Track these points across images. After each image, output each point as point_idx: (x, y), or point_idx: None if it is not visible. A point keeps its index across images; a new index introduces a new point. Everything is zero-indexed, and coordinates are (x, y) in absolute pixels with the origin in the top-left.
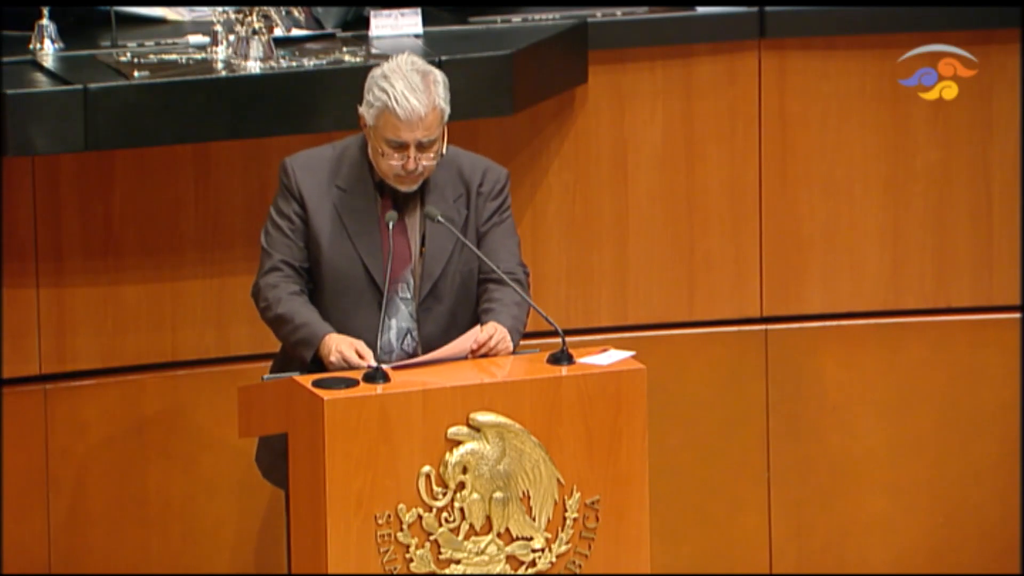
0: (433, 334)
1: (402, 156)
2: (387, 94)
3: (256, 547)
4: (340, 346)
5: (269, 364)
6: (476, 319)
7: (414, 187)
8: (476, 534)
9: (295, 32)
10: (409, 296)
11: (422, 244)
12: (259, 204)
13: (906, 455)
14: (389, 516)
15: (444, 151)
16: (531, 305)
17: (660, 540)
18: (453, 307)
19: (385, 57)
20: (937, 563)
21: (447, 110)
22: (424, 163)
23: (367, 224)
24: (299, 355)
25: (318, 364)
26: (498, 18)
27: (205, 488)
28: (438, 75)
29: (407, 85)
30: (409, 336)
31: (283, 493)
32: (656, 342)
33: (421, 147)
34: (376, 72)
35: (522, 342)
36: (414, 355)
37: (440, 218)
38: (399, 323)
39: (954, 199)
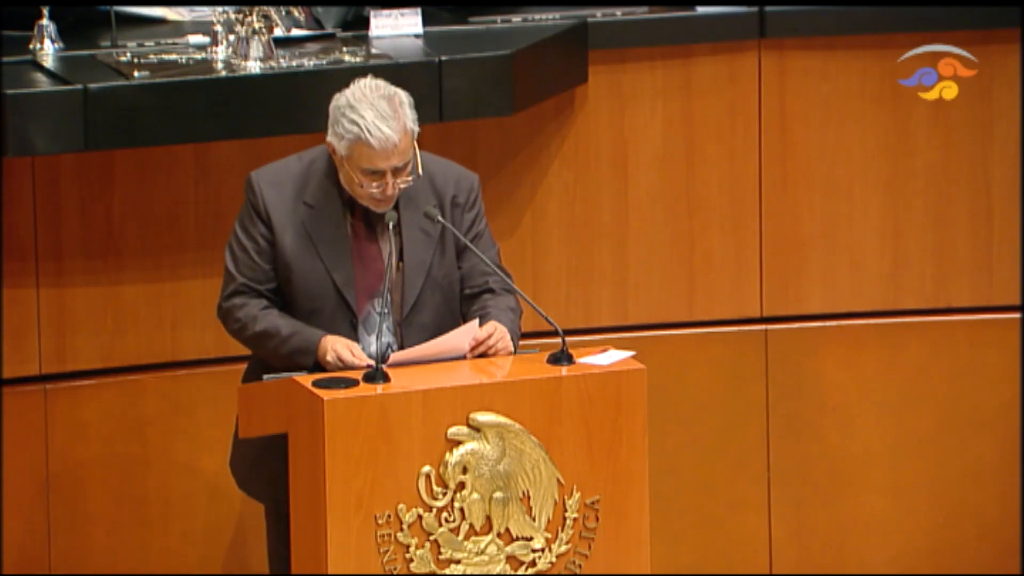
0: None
1: (379, 184)
2: (358, 126)
3: (256, 547)
4: (336, 346)
5: None
6: None
7: (387, 208)
8: (476, 534)
9: (295, 32)
10: (387, 311)
11: (399, 258)
12: None
13: (906, 455)
14: (389, 516)
15: (420, 171)
16: (530, 304)
17: (660, 540)
18: (435, 319)
19: (386, 57)
20: (937, 563)
21: (416, 129)
22: (401, 185)
23: (338, 243)
24: (293, 365)
25: (314, 370)
26: (498, 18)
27: (205, 488)
28: (402, 95)
29: (377, 114)
30: (390, 350)
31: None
32: (656, 342)
33: (396, 172)
34: (340, 102)
35: (522, 342)
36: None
37: (440, 218)
38: (380, 338)
39: (954, 199)
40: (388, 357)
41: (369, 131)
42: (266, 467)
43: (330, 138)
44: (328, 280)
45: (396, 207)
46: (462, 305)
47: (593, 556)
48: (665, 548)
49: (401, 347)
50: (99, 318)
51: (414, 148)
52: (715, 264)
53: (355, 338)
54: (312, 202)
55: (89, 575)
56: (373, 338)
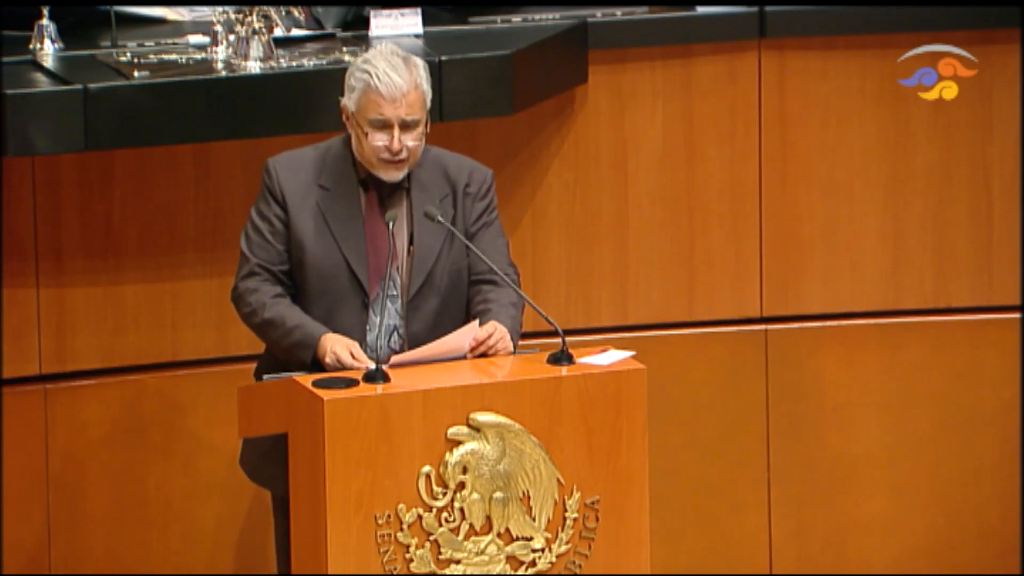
0: (420, 332)
1: (386, 136)
2: (368, 74)
3: (256, 547)
4: (335, 347)
5: None
6: (464, 318)
7: (399, 176)
8: (476, 534)
9: (295, 32)
10: (396, 293)
11: (410, 243)
12: None
13: (906, 455)
14: (389, 516)
15: (427, 131)
16: (530, 304)
17: (660, 540)
18: (441, 305)
19: None
20: (937, 563)
21: (429, 93)
22: (409, 143)
23: (351, 223)
24: (294, 358)
25: (314, 366)
26: (498, 18)
27: (205, 488)
28: (418, 60)
29: (388, 65)
30: (396, 334)
31: (270, 494)
32: (656, 342)
33: (405, 126)
34: (356, 61)
35: (522, 342)
36: (400, 352)
37: (440, 217)
38: (386, 321)
39: (954, 199)
40: (389, 357)
41: (378, 77)
42: (281, 455)
43: (344, 101)
44: (341, 260)
45: (408, 194)
46: (468, 290)
47: (593, 556)
48: (665, 548)
49: (406, 330)
50: (99, 318)
51: (425, 115)
52: (715, 264)
53: (365, 318)
54: (328, 185)
55: (89, 575)
56: (379, 320)
